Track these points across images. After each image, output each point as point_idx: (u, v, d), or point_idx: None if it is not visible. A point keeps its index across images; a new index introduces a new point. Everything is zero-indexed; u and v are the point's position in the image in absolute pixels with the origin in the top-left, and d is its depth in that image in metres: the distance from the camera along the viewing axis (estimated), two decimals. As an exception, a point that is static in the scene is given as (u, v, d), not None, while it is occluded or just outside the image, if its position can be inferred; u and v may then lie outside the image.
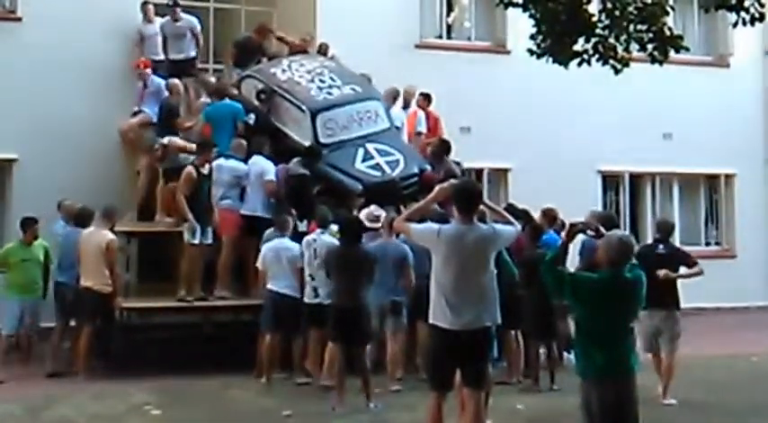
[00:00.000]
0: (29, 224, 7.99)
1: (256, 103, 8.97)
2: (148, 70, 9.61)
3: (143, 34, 10.16)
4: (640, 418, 4.14)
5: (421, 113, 10.00)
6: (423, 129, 9.92)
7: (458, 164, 9.18)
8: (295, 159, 8.39)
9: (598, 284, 4.15)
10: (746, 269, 12.05)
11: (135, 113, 9.61)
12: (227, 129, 8.66)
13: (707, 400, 6.77)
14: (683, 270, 6.69)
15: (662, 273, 6.45)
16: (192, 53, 10.11)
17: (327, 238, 7.07)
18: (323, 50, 10.08)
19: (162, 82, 9.55)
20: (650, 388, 6.26)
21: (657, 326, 6.69)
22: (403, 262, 7.00)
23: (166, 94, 9.38)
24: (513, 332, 7.28)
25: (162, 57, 10.09)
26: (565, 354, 7.72)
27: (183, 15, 10.16)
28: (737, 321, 10.98)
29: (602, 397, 4.06)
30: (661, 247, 6.82)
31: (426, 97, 10.15)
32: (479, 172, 11.25)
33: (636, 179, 12.81)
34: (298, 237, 7.52)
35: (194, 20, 10.26)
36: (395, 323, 7.08)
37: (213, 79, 9.84)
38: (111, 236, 7.80)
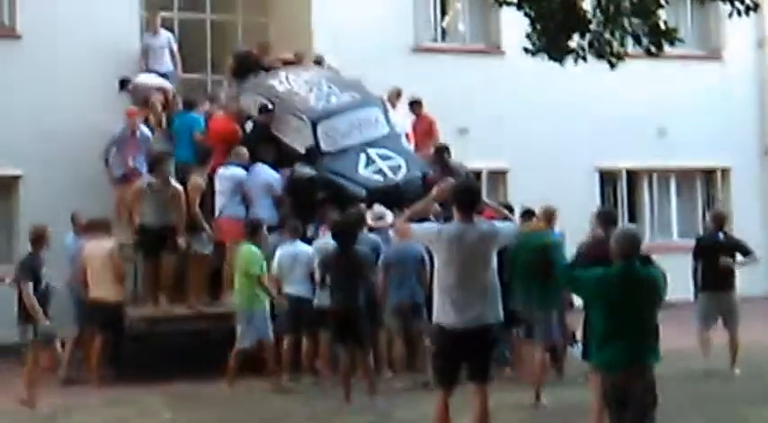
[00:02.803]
0: (258, 226, 7.36)
1: (257, 115, 9.06)
2: (139, 119, 9.16)
3: (148, 46, 10.20)
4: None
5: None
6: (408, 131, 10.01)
7: (461, 167, 9.29)
8: (299, 163, 8.49)
9: (607, 277, 4.25)
10: (744, 262, 12.11)
11: (125, 176, 8.99)
12: (185, 139, 8.95)
13: (703, 388, 6.88)
14: (740, 258, 7.46)
15: (723, 261, 7.24)
16: (171, 67, 10.20)
17: None
18: (318, 62, 10.18)
19: (149, 134, 9.16)
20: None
21: (717, 307, 7.43)
22: (422, 263, 7.07)
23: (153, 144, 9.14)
24: (515, 330, 7.40)
25: (165, 69, 10.16)
26: (569, 348, 7.82)
27: (160, 29, 10.28)
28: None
29: (615, 388, 4.17)
30: (720, 235, 7.56)
31: (415, 103, 10.18)
32: (477, 173, 11.35)
33: (633, 175, 12.91)
34: (305, 242, 7.64)
35: (170, 34, 10.38)
36: (416, 323, 7.16)
37: (223, 95, 9.92)
38: (112, 243, 7.92)
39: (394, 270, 7.09)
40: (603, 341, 4.25)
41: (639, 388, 4.16)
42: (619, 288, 4.21)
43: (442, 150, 9.40)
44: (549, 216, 8.03)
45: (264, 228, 7.44)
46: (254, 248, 7.12)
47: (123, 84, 9.69)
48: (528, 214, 7.82)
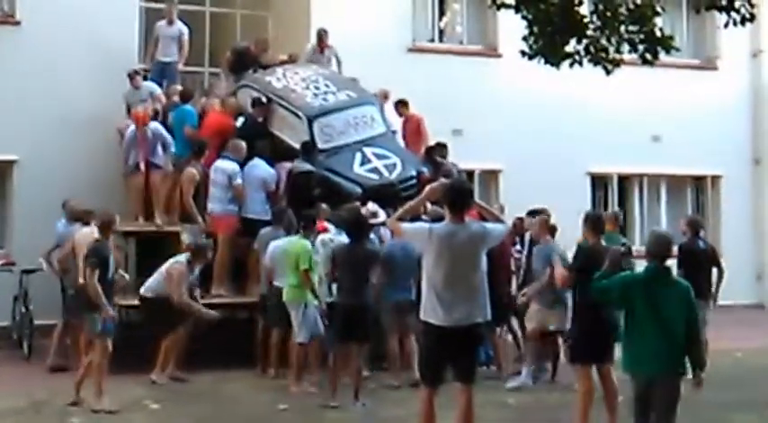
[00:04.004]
0: (312, 220, 7.28)
1: (251, 110, 9.10)
2: (150, 124, 8.95)
3: (160, 35, 10.21)
4: (624, 414, 4.35)
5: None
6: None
7: (453, 166, 9.36)
8: (298, 159, 8.53)
9: (634, 279, 4.44)
10: (732, 268, 12.12)
11: (137, 165, 8.90)
12: (179, 132, 9.05)
13: (689, 393, 6.96)
14: (715, 278, 7.70)
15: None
16: (176, 58, 10.25)
17: (344, 237, 7.03)
18: (321, 37, 10.18)
19: (161, 129, 9.05)
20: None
21: (702, 313, 7.41)
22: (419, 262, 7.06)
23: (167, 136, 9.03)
24: (498, 329, 7.48)
25: (169, 59, 10.16)
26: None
27: (176, 20, 10.33)
28: (723, 319, 11.15)
29: (639, 389, 4.36)
30: (701, 243, 7.69)
31: (400, 103, 10.18)
32: (470, 173, 11.42)
33: (624, 181, 13.01)
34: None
35: (185, 27, 10.42)
36: (411, 322, 7.20)
37: (224, 83, 9.91)
38: None
39: (397, 267, 7.07)
40: (630, 343, 4.37)
41: (662, 394, 4.32)
42: (645, 289, 4.33)
43: (434, 150, 9.47)
44: (615, 220, 8.09)
45: (318, 222, 7.40)
46: (305, 243, 7.02)
47: (134, 74, 9.68)
48: (533, 214, 7.93)
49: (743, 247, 13.07)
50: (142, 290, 7.50)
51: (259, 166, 8.52)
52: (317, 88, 9.20)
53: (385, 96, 10.02)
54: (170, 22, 10.27)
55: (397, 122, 9.98)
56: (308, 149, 8.60)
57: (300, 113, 8.93)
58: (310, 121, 8.82)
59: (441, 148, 9.62)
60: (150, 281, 7.49)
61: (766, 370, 8.17)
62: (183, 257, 7.42)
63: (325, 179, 8.43)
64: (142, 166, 8.92)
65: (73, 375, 7.23)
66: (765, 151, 13.55)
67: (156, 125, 9.05)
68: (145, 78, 9.90)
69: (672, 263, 4.62)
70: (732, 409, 6.40)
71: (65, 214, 8.50)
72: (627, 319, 4.41)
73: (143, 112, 9.01)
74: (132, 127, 9.05)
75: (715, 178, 13.36)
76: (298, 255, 6.96)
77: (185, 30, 10.37)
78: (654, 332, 4.29)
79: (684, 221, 8.09)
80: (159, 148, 9.01)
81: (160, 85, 9.98)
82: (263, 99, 9.10)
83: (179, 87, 9.79)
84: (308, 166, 8.41)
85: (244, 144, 8.57)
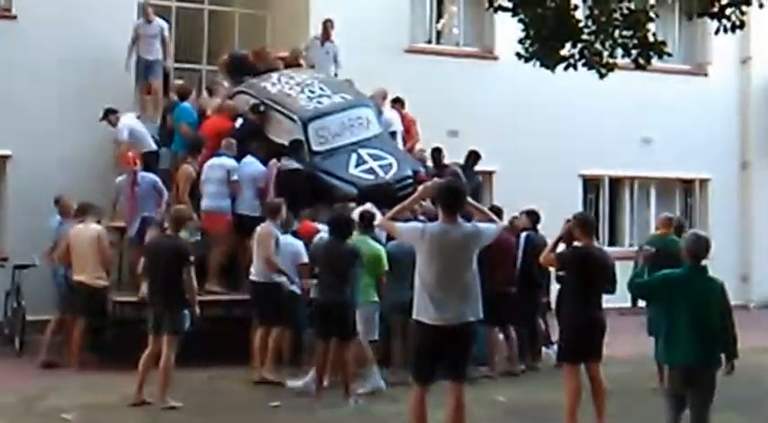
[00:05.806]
0: (372, 218, 7.14)
1: (249, 113, 9.13)
2: (137, 167, 8.46)
3: (139, 34, 10.17)
4: (618, 408, 4.42)
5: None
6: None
7: (475, 174, 9.48)
8: (286, 157, 8.59)
9: (671, 277, 4.58)
10: (719, 270, 12.16)
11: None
12: (178, 130, 9.14)
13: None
14: None
15: None
16: (160, 56, 10.18)
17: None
18: (326, 27, 10.25)
19: (154, 178, 8.54)
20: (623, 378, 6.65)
21: None
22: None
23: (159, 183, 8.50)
24: (495, 329, 7.55)
25: (154, 57, 10.11)
26: (544, 349, 8.02)
27: (155, 17, 10.25)
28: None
29: (674, 383, 4.56)
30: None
31: (398, 101, 10.27)
32: (465, 174, 11.49)
33: (615, 183, 13.15)
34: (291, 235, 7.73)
35: (164, 23, 10.37)
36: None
37: (226, 84, 9.95)
38: (99, 228, 7.96)
39: (398, 265, 7.09)
40: (669, 337, 4.56)
41: (701, 385, 4.52)
42: (684, 286, 4.51)
43: (439, 151, 9.55)
44: (668, 223, 8.17)
45: (378, 218, 7.28)
46: (380, 247, 6.92)
47: (107, 113, 9.41)
48: (529, 214, 7.97)
49: (729, 248, 13.18)
50: (251, 275, 7.45)
51: (251, 164, 8.61)
52: (311, 92, 9.25)
53: (383, 96, 10.08)
54: (148, 21, 10.18)
55: (397, 121, 10.02)
56: (297, 148, 8.66)
57: (295, 117, 8.99)
58: (305, 124, 8.88)
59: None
60: (255, 262, 7.41)
61: (750, 369, 8.21)
62: (265, 222, 7.41)
63: (312, 177, 8.47)
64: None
65: (63, 373, 7.25)
66: (753, 155, 13.76)
67: (149, 176, 8.50)
68: (114, 111, 9.39)
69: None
70: (716, 408, 6.46)
71: (58, 211, 8.50)
72: (666, 314, 4.60)
73: (132, 157, 8.54)
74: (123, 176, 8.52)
75: (703, 181, 13.55)
76: (376, 259, 6.85)
77: (165, 25, 10.29)
78: (692, 326, 4.48)
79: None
80: (152, 201, 8.42)
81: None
82: (262, 108, 9.10)
83: (179, 82, 9.80)
84: (295, 164, 8.47)
85: (234, 141, 8.63)
